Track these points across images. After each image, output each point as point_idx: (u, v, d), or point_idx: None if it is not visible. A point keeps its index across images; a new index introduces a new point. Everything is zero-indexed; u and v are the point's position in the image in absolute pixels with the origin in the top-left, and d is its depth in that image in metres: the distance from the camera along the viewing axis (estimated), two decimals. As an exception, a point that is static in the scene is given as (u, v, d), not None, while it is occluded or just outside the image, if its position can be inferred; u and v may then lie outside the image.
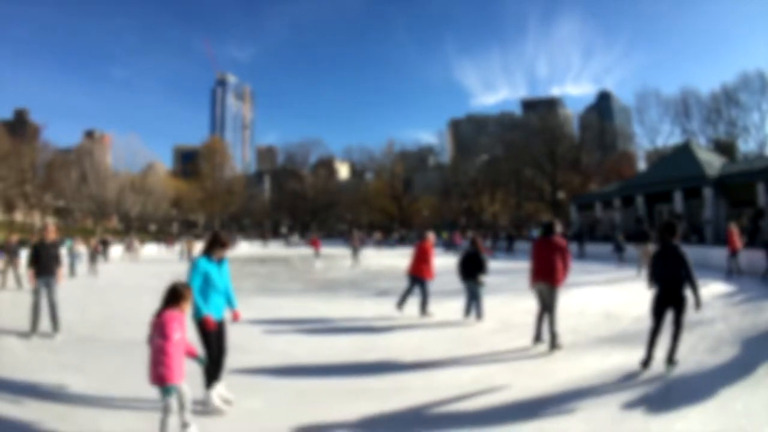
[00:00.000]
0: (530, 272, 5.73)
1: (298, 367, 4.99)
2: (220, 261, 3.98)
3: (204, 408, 3.65)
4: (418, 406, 3.82)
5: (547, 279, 5.50)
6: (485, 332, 6.57)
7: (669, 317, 4.71)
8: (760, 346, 5.46)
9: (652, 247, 13.87)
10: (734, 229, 13.20)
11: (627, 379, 4.37)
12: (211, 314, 3.75)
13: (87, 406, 3.82)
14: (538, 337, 5.73)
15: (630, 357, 5.09)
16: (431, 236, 8.21)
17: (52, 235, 6.87)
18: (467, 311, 7.47)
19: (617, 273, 14.63)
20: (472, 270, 7.29)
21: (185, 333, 3.20)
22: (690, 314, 4.80)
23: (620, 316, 7.47)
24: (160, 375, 2.97)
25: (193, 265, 3.82)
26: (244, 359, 5.34)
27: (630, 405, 3.74)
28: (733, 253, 12.97)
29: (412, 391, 4.13)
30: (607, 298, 9.40)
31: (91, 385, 4.35)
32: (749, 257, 13.60)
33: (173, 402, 3.06)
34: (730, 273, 12.72)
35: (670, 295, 4.67)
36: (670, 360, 4.67)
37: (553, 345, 5.48)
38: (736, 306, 8.21)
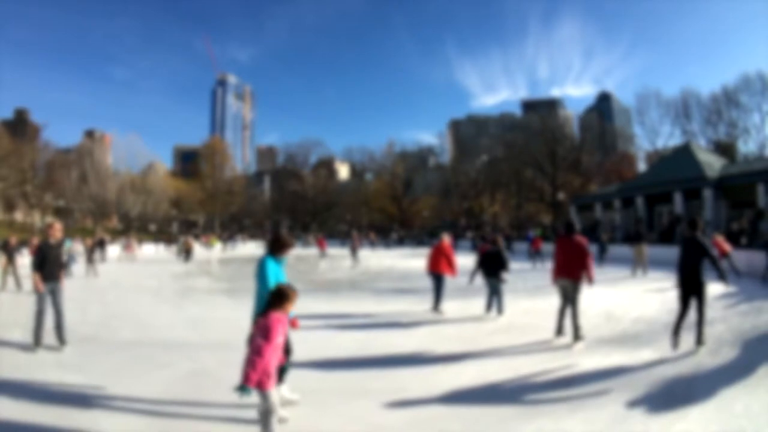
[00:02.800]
0: (553, 269, 6.08)
1: (297, 367, 4.99)
2: (280, 260, 4.01)
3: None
4: (417, 406, 3.82)
5: (569, 275, 5.83)
6: (485, 332, 6.57)
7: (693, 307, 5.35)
8: (760, 348, 5.46)
9: (646, 248, 14.02)
10: (718, 238, 13.40)
11: (627, 380, 4.36)
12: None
13: (87, 406, 3.82)
14: (559, 331, 6.00)
15: (630, 358, 5.10)
16: (447, 237, 8.54)
17: (58, 234, 6.10)
18: (488, 307, 7.76)
19: (614, 273, 14.61)
20: (494, 267, 7.59)
21: (285, 337, 3.19)
22: (690, 316, 5.40)
23: (620, 317, 7.47)
24: (246, 373, 2.92)
25: (263, 264, 3.81)
26: (241, 359, 5.34)
27: (630, 406, 3.74)
28: (723, 255, 13.03)
29: (411, 391, 4.13)
30: (607, 299, 9.39)
31: (90, 385, 4.35)
32: (749, 258, 13.61)
33: (273, 401, 2.98)
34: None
35: (691, 282, 5.34)
36: (699, 341, 5.35)
37: (576, 337, 5.75)
38: (735, 307, 8.21)
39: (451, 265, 8.10)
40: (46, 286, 5.75)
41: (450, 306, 8.30)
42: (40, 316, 5.71)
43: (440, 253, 8.17)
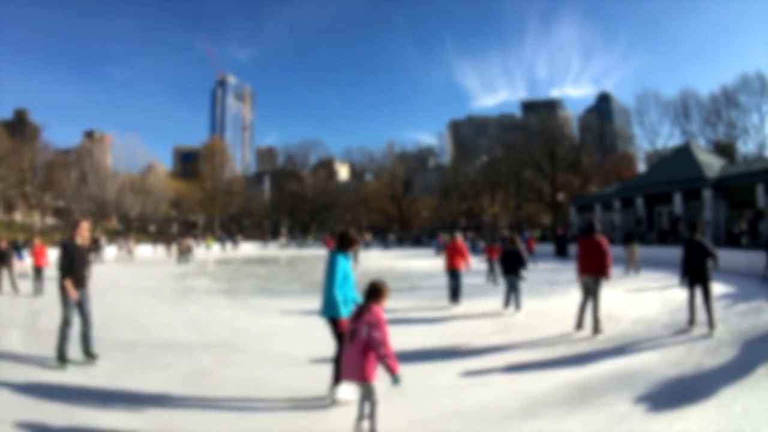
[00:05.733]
0: (577, 266, 6.52)
1: (295, 368, 4.99)
2: (349, 256, 4.20)
3: (329, 402, 3.84)
4: (417, 406, 3.82)
5: (591, 272, 6.28)
6: (484, 332, 6.57)
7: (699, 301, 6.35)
8: (759, 348, 5.45)
9: (637, 248, 14.17)
10: None
11: (627, 380, 4.36)
12: (348, 315, 3.89)
13: (86, 406, 3.82)
14: (579, 325, 6.40)
15: (630, 358, 5.10)
16: (460, 235, 9.41)
17: (86, 233, 5.38)
18: (506, 303, 8.16)
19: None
20: (513, 266, 8.02)
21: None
22: (700, 316, 6.32)
23: (620, 318, 7.46)
24: (388, 366, 3.06)
25: (334, 260, 4.00)
26: (241, 360, 5.35)
27: (630, 406, 3.74)
28: None
29: (410, 393, 4.12)
30: (606, 300, 9.37)
31: (90, 385, 4.36)
32: (748, 259, 13.62)
33: (378, 393, 3.13)
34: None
35: (697, 276, 6.32)
36: (710, 325, 6.14)
37: (596, 330, 6.19)
38: (734, 307, 8.21)
39: (465, 261, 8.86)
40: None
41: (442, 310, 8.36)
42: (65, 328, 5.00)
43: (455, 251, 8.84)
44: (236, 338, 6.45)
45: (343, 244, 4.18)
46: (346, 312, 3.91)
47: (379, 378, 4.53)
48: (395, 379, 3.10)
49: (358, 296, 4.05)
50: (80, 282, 5.17)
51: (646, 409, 3.67)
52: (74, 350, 5.54)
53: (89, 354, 5.15)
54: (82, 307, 5.19)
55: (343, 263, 4.05)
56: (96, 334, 6.56)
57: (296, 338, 6.52)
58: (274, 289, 12.60)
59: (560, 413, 3.63)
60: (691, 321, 6.43)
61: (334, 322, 3.95)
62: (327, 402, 3.87)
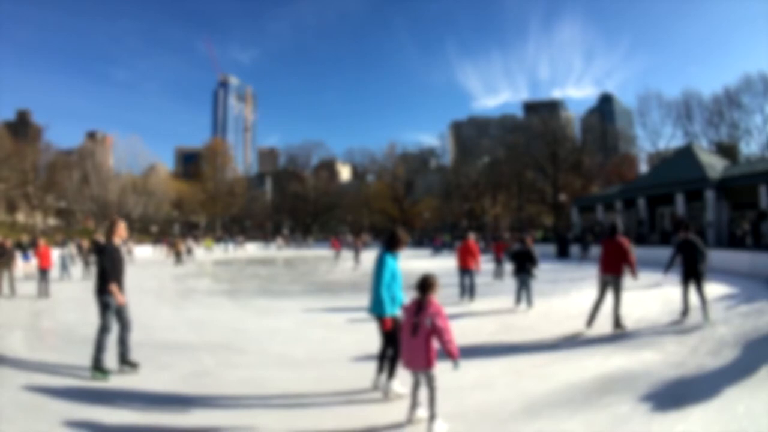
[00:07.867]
0: (599, 266, 6.76)
1: (296, 369, 4.99)
2: (396, 256, 4.27)
3: (384, 397, 3.98)
4: (418, 408, 3.81)
5: (613, 271, 6.54)
6: (486, 333, 6.57)
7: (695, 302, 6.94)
8: (762, 349, 5.43)
9: (633, 248, 14.41)
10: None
11: (629, 381, 4.35)
12: (394, 313, 4.02)
13: (88, 405, 3.83)
14: (590, 323, 6.58)
15: (632, 359, 5.09)
16: (472, 236, 9.81)
17: (123, 233, 5.07)
18: (518, 300, 8.50)
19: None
20: (525, 264, 8.35)
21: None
22: (693, 318, 6.91)
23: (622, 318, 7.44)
24: (452, 351, 3.29)
25: (382, 260, 4.08)
26: (242, 360, 5.35)
27: (631, 407, 3.73)
28: None
29: (412, 393, 4.11)
30: (608, 300, 9.36)
31: (91, 385, 4.37)
32: (751, 260, 13.57)
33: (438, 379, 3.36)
34: None
35: (690, 271, 7.00)
36: (707, 318, 6.73)
37: (617, 325, 6.50)
38: (737, 309, 8.19)
39: (476, 261, 9.29)
40: (113, 298, 4.77)
41: (451, 306, 8.31)
42: (104, 335, 4.68)
43: (468, 252, 9.26)
44: (237, 339, 6.46)
45: (392, 244, 4.21)
46: (392, 311, 3.99)
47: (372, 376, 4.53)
48: (456, 364, 3.31)
49: (405, 297, 4.13)
50: (120, 285, 4.90)
51: (648, 410, 3.65)
52: (80, 354, 5.56)
53: (126, 362, 4.82)
54: (121, 312, 4.89)
55: (392, 263, 4.09)
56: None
57: (297, 339, 6.53)
58: (275, 290, 12.61)
59: (562, 414, 3.63)
60: (685, 312, 7.05)
61: (380, 320, 4.01)
62: (382, 397, 3.99)
